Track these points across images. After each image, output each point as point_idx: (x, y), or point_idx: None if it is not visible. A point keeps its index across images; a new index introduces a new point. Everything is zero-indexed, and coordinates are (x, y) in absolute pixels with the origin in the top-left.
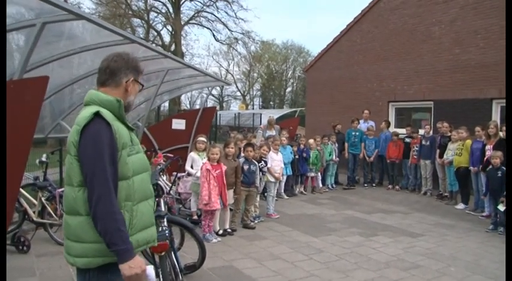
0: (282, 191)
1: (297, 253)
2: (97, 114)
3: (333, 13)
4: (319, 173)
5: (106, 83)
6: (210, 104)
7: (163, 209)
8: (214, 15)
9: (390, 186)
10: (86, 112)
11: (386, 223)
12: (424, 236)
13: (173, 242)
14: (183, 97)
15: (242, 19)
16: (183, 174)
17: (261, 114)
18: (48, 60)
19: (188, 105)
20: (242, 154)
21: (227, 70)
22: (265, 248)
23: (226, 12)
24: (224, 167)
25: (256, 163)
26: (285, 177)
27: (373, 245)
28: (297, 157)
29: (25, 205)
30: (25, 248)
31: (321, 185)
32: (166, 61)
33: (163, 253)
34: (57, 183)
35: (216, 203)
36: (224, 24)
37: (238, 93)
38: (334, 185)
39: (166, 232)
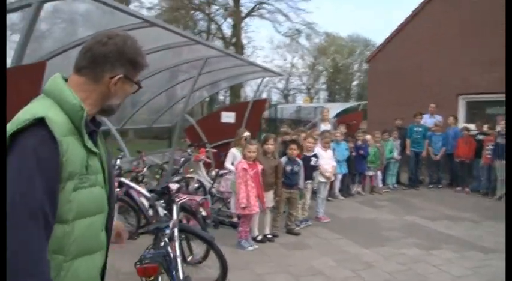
0: (337, 191)
1: (342, 267)
2: (40, 122)
3: (401, 3)
4: (378, 172)
5: (82, 72)
6: (274, 97)
7: (175, 216)
8: (275, 6)
9: (459, 188)
10: (30, 109)
11: (451, 233)
12: (497, 253)
13: (171, 261)
14: (248, 90)
15: (303, 10)
16: (226, 171)
17: (323, 107)
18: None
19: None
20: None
21: (291, 63)
22: (306, 259)
23: (287, 3)
24: (260, 166)
25: (300, 162)
26: (340, 176)
27: (434, 261)
28: (353, 154)
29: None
30: None
31: (380, 185)
32: (205, 49)
33: (151, 278)
34: None
35: (255, 206)
36: (285, 15)
37: (304, 87)
38: (395, 185)
39: (163, 250)
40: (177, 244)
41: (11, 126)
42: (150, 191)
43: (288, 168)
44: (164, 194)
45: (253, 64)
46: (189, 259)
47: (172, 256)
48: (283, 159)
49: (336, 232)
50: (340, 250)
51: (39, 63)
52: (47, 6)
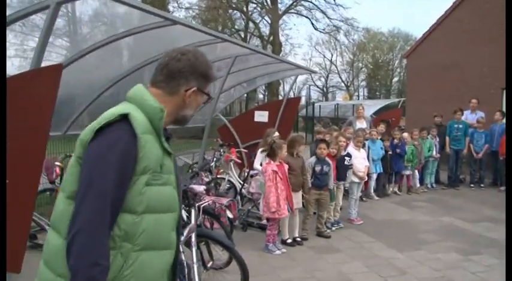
0: (372, 191)
1: (373, 273)
2: (125, 117)
3: None
4: (416, 171)
5: (158, 86)
6: (314, 95)
7: (192, 221)
8: (312, 3)
9: (502, 188)
10: (115, 109)
11: (493, 237)
12: None
13: (182, 269)
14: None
15: (341, 5)
16: (256, 171)
17: (361, 104)
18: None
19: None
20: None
21: (330, 60)
22: (335, 264)
23: None
24: (286, 166)
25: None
26: (375, 175)
27: (473, 267)
28: (390, 152)
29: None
30: None
31: (418, 185)
32: (233, 47)
33: None
34: None
35: (284, 210)
36: (323, 11)
37: (343, 84)
38: (434, 185)
39: None
40: (193, 250)
41: (95, 125)
42: None
43: (318, 168)
44: (183, 197)
45: (284, 61)
46: (209, 264)
47: (185, 264)
48: (313, 159)
49: (369, 235)
50: (372, 254)
51: (55, 66)
52: (87, 9)
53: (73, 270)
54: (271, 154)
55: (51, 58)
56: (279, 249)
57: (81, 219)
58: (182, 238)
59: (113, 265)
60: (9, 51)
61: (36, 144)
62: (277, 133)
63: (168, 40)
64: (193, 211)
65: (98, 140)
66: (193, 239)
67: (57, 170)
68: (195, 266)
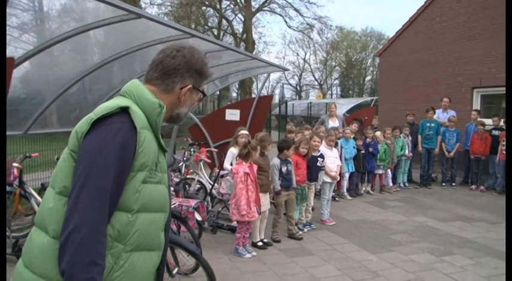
0: (345, 190)
1: (346, 277)
2: (125, 110)
3: None
4: (388, 170)
5: (153, 83)
6: (287, 93)
7: None
8: (286, 0)
9: (474, 186)
10: (113, 102)
11: (466, 236)
12: None
13: None
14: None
15: (314, 3)
16: (226, 172)
17: (334, 103)
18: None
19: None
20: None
21: (304, 59)
22: (307, 268)
23: None
24: (255, 167)
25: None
26: (347, 174)
27: (446, 268)
28: (362, 151)
29: (35, 207)
30: None
31: (391, 184)
32: (203, 43)
33: None
34: None
35: (254, 213)
36: (296, 9)
37: (317, 83)
38: (406, 184)
39: None
40: None
41: (92, 116)
42: None
43: (284, 168)
44: None
45: (256, 58)
46: (175, 270)
47: None
48: (276, 160)
49: (342, 236)
50: (344, 256)
51: (8, 59)
52: (55, 4)
53: (68, 270)
54: (245, 155)
55: (17, 54)
56: (249, 252)
57: (77, 216)
58: None
59: None
60: None
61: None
62: (244, 131)
63: (136, 35)
64: None
65: (95, 132)
66: None
67: (15, 171)
68: None
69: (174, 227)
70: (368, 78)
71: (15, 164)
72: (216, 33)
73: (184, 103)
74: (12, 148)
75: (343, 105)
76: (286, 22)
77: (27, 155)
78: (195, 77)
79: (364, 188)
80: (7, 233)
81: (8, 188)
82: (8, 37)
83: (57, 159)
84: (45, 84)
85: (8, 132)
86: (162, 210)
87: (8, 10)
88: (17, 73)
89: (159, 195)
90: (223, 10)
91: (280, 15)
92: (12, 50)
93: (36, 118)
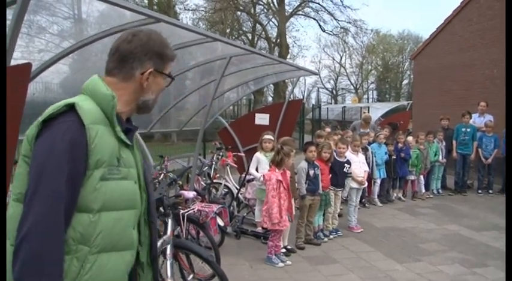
0: (376, 196)
1: None
2: (71, 108)
3: None
4: (421, 176)
5: (112, 73)
6: (324, 98)
7: (168, 232)
8: (319, 4)
9: None
10: (62, 101)
11: (501, 247)
12: None
13: None
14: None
15: (348, 7)
16: (252, 177)
17: (368, 107)
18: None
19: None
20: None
21: (339, 63)
22: (329, 276)
23: (332, 0)
24: (288, 173)
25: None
26: (379, 180)
27: None
28: (394, 157)
29: None
30: None
31: (423, 191)
32: (226, 47)
33: None
34: None
35: (286, 222)
36: (330, 13)
37: (353, 87)
38: (440, 191)
39: None
40: (168, 263)
41: (40, 118)
42: None
43: (311, 172)
44: (157, 206)
45: (283, 62)
46: (190, 277)
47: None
48: (304, 163)
49: (368, 244)
50: (370, 265)
51: (23, 65)
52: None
53: (17, 279)
54: (278, 162)
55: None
56: (282, 261)
57: (28, 222)
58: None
59: (68, 272)
60: None
61: (7, 146)
62: (269, 136)
63: None
64: (169, 222)
65: (45, 134)
66: (168, 251)
67: None
68: None
69: (193, 232)
70: (405, 82)
71: None
72: (250, 37)
73: (149, 89)
74: None
75: (379, 110)
76: (320, 26)
77: None
78: (155, 60)
79: (395, 195)
80: None
81: None
82: (50, 44)
83: None
84: (76, 89)
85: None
86: (131, 207)
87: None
88: (57, 78)
89: (124, 191)
90: (257, 15)
91: (314, 19)
92: (53, 57)
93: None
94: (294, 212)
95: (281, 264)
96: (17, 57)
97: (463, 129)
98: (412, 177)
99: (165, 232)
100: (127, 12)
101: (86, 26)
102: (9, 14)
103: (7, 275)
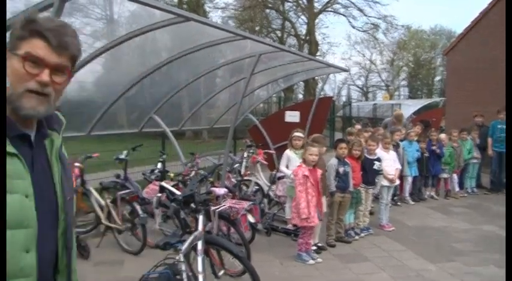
0: (407, 195)
1: None
2: None
3: None
4: (454, 175)
5: None
6: (354, 95)
7: (200, 227)
8: (349, 0)
9: None
10: None
11: None
12: None
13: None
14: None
15: (378, 2)
16: (282, 174)
17: (400, 104)
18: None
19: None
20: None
21: (370, 60)
22: (360, 274)
23: None
24: (319, 172)
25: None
26: (410, 178)
27: None
28: (426, 154)
29: (95, 205)
30: (85, 254)
31: (457, 189)
32: (256, 45)
33: None
34: (140, 183)
35: (315, 218)
36: (360, 9)
37: (383, 84)
38: (475, 190)
39: (167, 271)
40: (199, 258)
41: None
42: (172, 200)
43: (341, 169)
44: (188, 202)
45: (312, 59)
46: (221, 272)
47: (185, 275)
48: (334, 160)
49: (400, 243)
50: (401, 264)
51: None
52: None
53: None
54: (304, 157)
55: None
56: (313, 259)
57: None
58: (184, 247)
59: None
60: None
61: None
62: (299, 133)
63: (192, 38)
64: (200, 217)
65: None
66: (199, 246)
67: (77, 171)
68: (200, 276)
69: (224, 228)
70: (437, 78)
71: (76, 164)
72: (279, 35)
73: (8, 77)
74: (75, 148)
75: (410, 107)
76: (350, 22)
77: (89, 155)
78: (10, 40)
79: (428, 193)
80: None
81: None
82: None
83: (116, 159)
84: (110, 88)
85: (73, 134)
86: (20, 226)
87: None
88: (91, 77)
89: (9, 208)
90: (286, 12)
91: (344, 15)
92: (87, 57)
93: (98, 120)
94: (324, 210)
95: (311, 261)
96: None
97: (499, 126)
98: (445, 175)
99: (197, 228)
100: (157, 12)
101: (117, 26)
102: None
103: None
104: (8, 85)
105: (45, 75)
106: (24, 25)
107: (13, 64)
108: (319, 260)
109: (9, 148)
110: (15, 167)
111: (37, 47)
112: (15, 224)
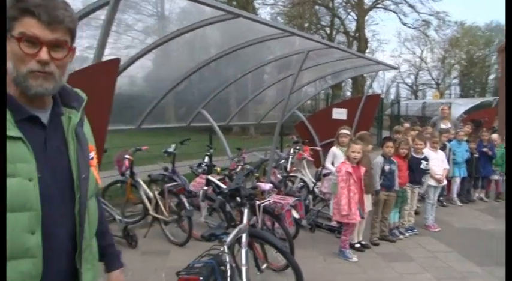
0: (455, 195)
1: None
2: None
3: None
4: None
5: None
6: (403, 93)
7: (244, 221)
8: None
9: None
10: None
11: None
12: None
13: (225, 272)
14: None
15: None
16: (328, 171)
17: (450, 103)
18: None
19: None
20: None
21: (420, 57)
22: (403, 274)
23: None
24: (363, 169)
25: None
26: (458, 179)
27: None
28: (476, 155)
29: (143, 197)
30: (133, 243)
31: None
32: (304, 42)
33: None
34: (187, 176)
35: (355, 215)
36: (411, 5)
37: (434, 82)
38: None
39: (213, 261)
40: (243, 251)
41: None
42: (218, 193)
43: (387, 167)
44: (234, 196)
45: (361, 56)
46: (264, 266)
47: (229, 266)
48: (380, 158)
49: (446, 244)
50: (446, 265)
51: (113, 60)
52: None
53: None
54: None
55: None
56: (354, 256)
57: None
58: (229, 239)
59: None
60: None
61: (95, 136)
62: (345, 130)
63: (241, 34)
64: (245, 211)
65: None
66: (243, 239)
67: (127, 163)
68: (244, 269)
69: (268, 223)
70: (492, 76)
71: (126, 156)
72: (328, 31)
73: (9, 60)
74: (125, 140)
75: (461, 106)
76: (400, 19)
77: (138, 148)
78: (9, 24)
79: (477, 194)
80: (119, 218)
81: (120, 178)
82: (135, 41)
83: (165, 152)
84: (160, 83)
85: (123, 127)
86: (22, 208)
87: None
88: (142, 72)
89: (9, 191)
90: (335, 9)
91: (394, 12)
92: (139, 52)
93: (148, 113)
94: (366, 209)
95: (355, 259)
96: (106, 54)
97: None
98: (496, 177)
99: (241, 221)
100: (207, 9)
101: (168, 23)
102: (102, 14)
103: None
104: (10, 67)
105: (43, 54)
106: (14, 4)
107: (12, 47)
108: (355, 259)
109: (12, 132)
110: (18, 150)
111: (29, 25)
112: (18, 207)
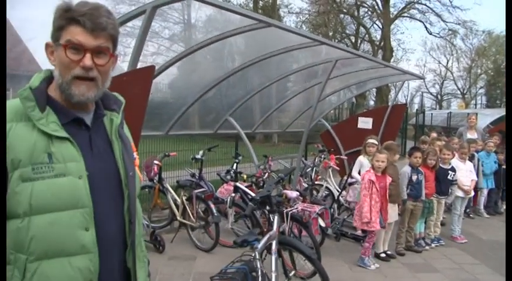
0: (482, 207)
1: None
2: None
3: None
4: None
5: None
6: (427, 103)
7: (274, 228)
8: (426, 6)
9: None
10: None
11: None
12: None
13: (256, 278)
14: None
15: (458, 7)
16: (354, 180)
17: (476, 113)
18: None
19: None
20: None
21: (446, 66)
22: None
23: (440, 1)
24: (389, 179)
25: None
26: (486, 190)
27: None
28: (503, 166)
29: (171, 202)
30: (160, 248)
31: None
32: (331, 50)
33: None
34: (213, 182)
35: (375, 223)
36: (438, 14)
37: (459, 92)
38: None
39: (245, 267)
40: (273, 258)
41: None
42: (250, 200)
43: (414, 177)
44: (264, 203)
45: (388, 66)
46: (291, 273)
47: (260, 272)
48: (407, 168)
49: (472, 256)
50: (473, 278)
51: (148, 68)
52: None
53: None
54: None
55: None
56: (374, 264)
57: None
58: (260, 245)
59: None
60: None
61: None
62: (372, 140)
63: (269, 43)
64: (276, 218)
65: None
66: (273, 246)
67: (155, 168)
68: (273, 275)
69: (295, 231)
70: None
71: (155, 162)
72: (353, 40)
73: (56, 67)
74: (154, 146)
75: (488, 116)
76: (426, 28)
77: (167, 154)
78: (52, 33)
79: (505, 207)
80: (146, 223)
81: (148, 183)
82: (161, 48)
83: (193, 159)
84: (187, 90)
85: (152, 133)
86: (73, 206)
87: (163, 24)
88: (166, 79)
89: (60, 190)
90: (360, 17)
91: (420, 21)
92: (165, 59)
93: (177, 120)
94: (391, 219)
95: (373, 267)
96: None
97: None
98: None
99: (271, 228)
100: (233, 17)
101: (194, 30)
102: (138, 22)
103: None
104: (57, 75)
105: (87, 60)
106: (61, 15)
107: (58, 54)
108: (377, 265)
109: (60, 132)
110: (67, 150)
111: (75, 33)
112: (71, 205)
